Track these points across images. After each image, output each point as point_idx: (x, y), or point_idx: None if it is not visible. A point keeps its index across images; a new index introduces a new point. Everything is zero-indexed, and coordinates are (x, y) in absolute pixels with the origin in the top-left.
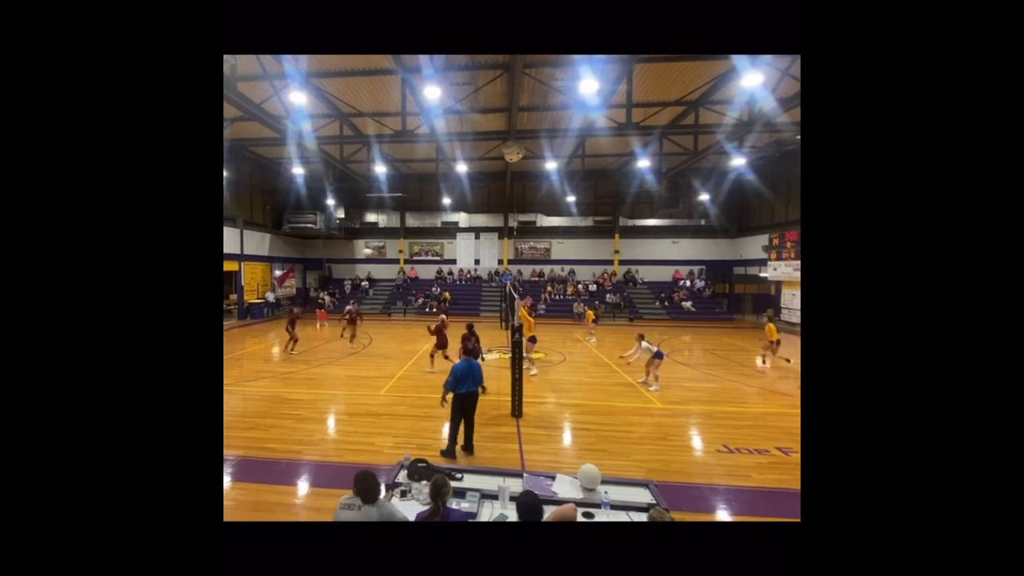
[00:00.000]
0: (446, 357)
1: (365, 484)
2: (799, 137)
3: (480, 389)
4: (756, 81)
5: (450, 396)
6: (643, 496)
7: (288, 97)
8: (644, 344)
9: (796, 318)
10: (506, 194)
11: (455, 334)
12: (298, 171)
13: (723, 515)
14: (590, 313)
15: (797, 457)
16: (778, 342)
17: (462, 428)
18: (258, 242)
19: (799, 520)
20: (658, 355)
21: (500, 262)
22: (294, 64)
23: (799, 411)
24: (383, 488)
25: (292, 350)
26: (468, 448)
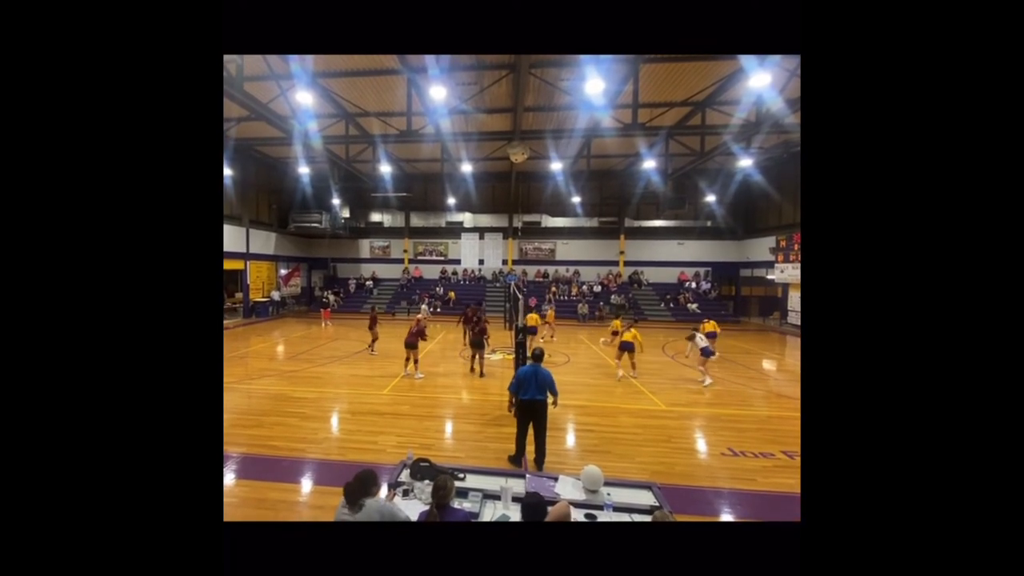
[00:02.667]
0: (415, 360)
1: (349, 487)
2: None
3: (551, 401)
4: (764, 82)
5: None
6: (646, 498)
7: (294, 97)
8: (699, 336)
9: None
10: (511, 194)
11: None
12: (304, 170)
13: (727, 519)
14: (616, 323)
15: None
16: (715, 334)
17: (531, 437)
18: (264, 241)
19: (799, 521)
20: (705, 352)
21: (504, 262)
22: (300, 64)
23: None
24: (384, 488)
25: (371, 350)
26: (538, 462)
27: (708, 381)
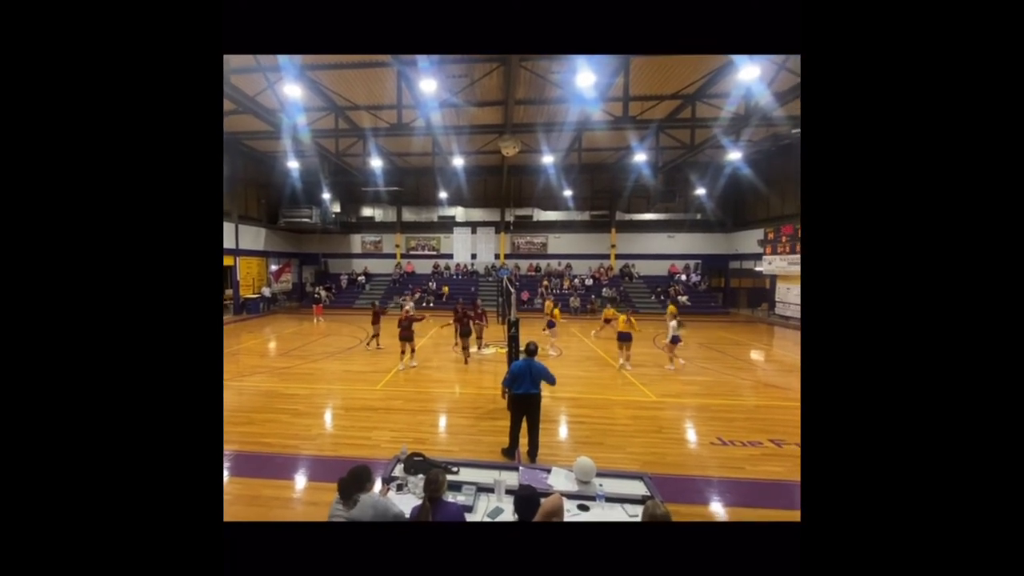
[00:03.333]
0: (412, 350)
1: (342, 482)
2: (796, 131)
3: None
4: (753, 75)
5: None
6: (638, 488)
7: (282, 90)
8: (672, 323)
9: (790, 312)
10: (503, 188)
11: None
12: (293, 165)
13: (717, 507)
14: (608, 311)
15: (790, 449)
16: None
17: (525, 429)
18: (253, 236)
19: (797, 514)
20: (673, 339)
21: (497, 257)
22: (288, 57)
23: (792, 404)
24: (378, 483)
25: (377, 345)
26: (531, 454)
27: (675, 365)
